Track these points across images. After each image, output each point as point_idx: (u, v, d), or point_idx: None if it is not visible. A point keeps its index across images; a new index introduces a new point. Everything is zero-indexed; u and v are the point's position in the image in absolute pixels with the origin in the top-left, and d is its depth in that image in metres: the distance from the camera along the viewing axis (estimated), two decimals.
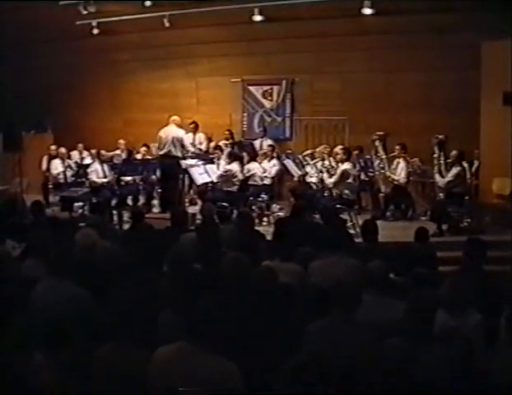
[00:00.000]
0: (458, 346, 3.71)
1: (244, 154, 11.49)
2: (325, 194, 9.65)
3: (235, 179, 10.34)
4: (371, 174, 11.09)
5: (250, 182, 10.77)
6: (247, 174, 10.61)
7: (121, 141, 12.94)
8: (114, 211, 10.58)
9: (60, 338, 3.32)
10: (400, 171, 10.62)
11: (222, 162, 10.86)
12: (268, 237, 7.25)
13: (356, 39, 12.17)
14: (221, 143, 11.96)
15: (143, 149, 12.61)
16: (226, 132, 12.65)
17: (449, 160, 9.74)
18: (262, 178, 10.83)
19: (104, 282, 4.74)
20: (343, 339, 3.70)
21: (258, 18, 12.19)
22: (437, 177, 9.86)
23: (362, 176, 11.04)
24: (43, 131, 14.25)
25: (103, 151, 11.34)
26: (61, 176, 11.69)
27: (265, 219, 10.41)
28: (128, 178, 11.31)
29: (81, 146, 13.20)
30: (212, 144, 12.41)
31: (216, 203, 9.19)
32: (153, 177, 11.73)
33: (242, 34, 12.93)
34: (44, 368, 3.13)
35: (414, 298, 3.78)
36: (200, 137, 12.65)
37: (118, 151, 12.74)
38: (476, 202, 10.17)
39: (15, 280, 4.85)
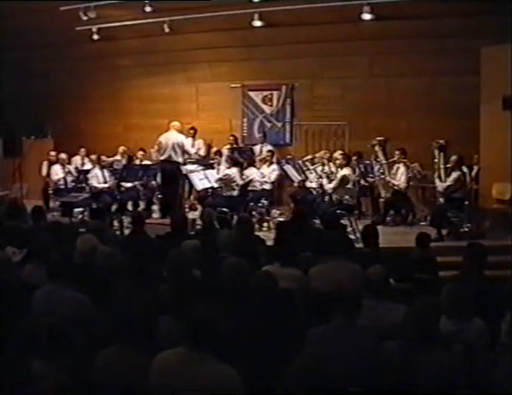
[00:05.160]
0: (459, 351, 3.71)
1: (242, 160, 11.46)
2: (325, 199, 9.64)
3: (233, 184, 10.35)
4: (371, 180, 11.11)
5: (250, 187, 10.79)
6: (245, 180, 10.62)
7: (121, 148, 13.00)
8: (115, 217, 10.58)
9: (60, 343, 3.32)
10: (400, 176, 10.63)
11: (222, 167, 10.88)
12: (268, 242, 7.27)
13: (355, 45, 12.19)
14: (225, 148, 11.97)
15: (140, 153, 12.66)
16: (231, 138, 12.67)
17: (449, 165, 9.74)
18: (262, 184, 10.85)
19: (105, 287, 4.75)
20: (344, 344, 3.70)
21: (257, 23, 12.21)
22: (437, 182, 9.86)
23: (362, 181, 11.06)
24: (43, 136, 14.27)
25: (103, 157, 11.36)
26: (61, 182, 11.69)
27: (265, 224, 10.41)
28: (129, 184, 11.32)
29: (83, 150, 13.22)
30: (214, 150, 12.44)
31: (216, 209, 9.20)
32: (153, 182, 11.75)
33: (242, 39, 12.96)
34: (44, 373, 3.13)
35: (417, 305, 3.78)
36: (199, 142, 12.70)
37: (118, 157, 12.76)
38: (476, 206, 10.17)
39: (15, 285, 4.86)
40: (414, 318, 3.73)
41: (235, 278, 4.55)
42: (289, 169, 10.76)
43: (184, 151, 11.23)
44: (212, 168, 11.02)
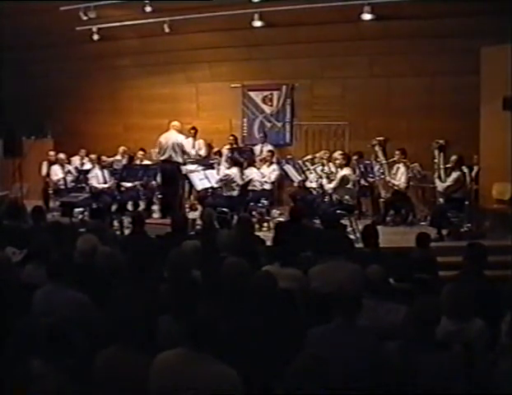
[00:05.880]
0: (458, 351, 3.71)
1: (242, 160, 11.45)
2: (325, 199, 9.64)
3: (234, 184, 10.35)
4: (371, 180, 11.11)
5: (250, 187, 10.79)
6: (245, 180, 10.61)
7: (121, 148, 13.02)
8: (115, 217, 10.58)
9: (60, 343, 3.32)
10: (400, 176, 10.63)
11: (222, 167, 10.88)
12: (268, 242, 7.28)
13: (356, 45, 12.19)
14: (225, 148, 11.97)
15: (140, 153, 12.66)
16: (231, 138, 12.67)
17: (449, 165, 9.74)
18: (262, 184, 10.85)
19: (105, 287, 4.75)
20: (344, 344, 3.70)
21: (258, 23, 12.22)
22: (437, 182, 9.86)
23: (362, 181, 11.06)
24: (43, 136, 14.28)
25: (103, 157, 11.36)
26: (61, 182, 11.69)
27: (265, 224, 10.40)
28: (129, 184, 11.32)
29: (83, 151, 13.23)
30: (215, 150, 12.44)
31: (216, 209, 9.20)
32: (153, 182, 11.75)
33: (242, 39, 12.96)
34: (44, 373, 3.13)
35: (417, 305, 3.78)
36: (199, 143, 12.69)
37: (118, 157, 12.76)
38: (476, 206, 10.17)
39: (15, 285, 4.86)
40: (414, 318, 3.73)
41: (235, 278, 4.55)
42: (289, 169, 10.76)
43: (184, 152, 11.22)
44: (212, 168, 11.01)
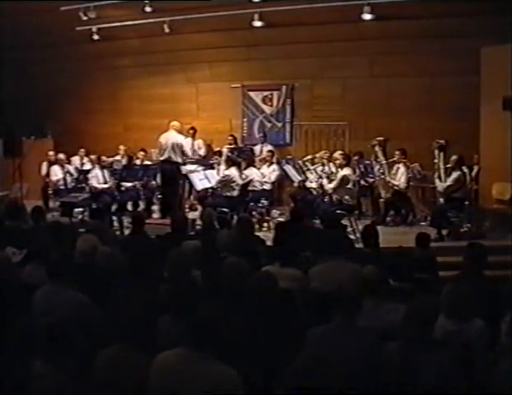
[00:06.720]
0: (457, 351, 3.71)
1: (241, 160, 11.43)
2: (325, 200, 9.64)
3: (233, 184, 10.34)
4: (371, 180, 11.11)
5: (250, 187, 10.78)
6: (245, 180, 10.61)
7: (121, 147, 13.03)
8: (114, 217, 10.58)
9: (60, 343, 3.32)
10: (400, 176, 10.63)
11: (222, 167, 10.88)
12: (268, 242, 7.28)
13: (356, 45, 12.18)
14: (224, 148, 11.96)
15: (141, 153, 12.67)
16: (230, 138, 12.66)
17: (449, 165, 9.74)
18: (262, 184, 10.85)
19: (105, 288, 4.75)
20: (344, 344, 3.70)
21: (258, 24, 12.21)
22: (437, 182, 9.86)
23: (362, 181, 11.05)
24: (43, 136, 14.28)
25: (103, 157, 11.36)
26: (61, 182, 11.68)
27: (265, 224, 10.41)
28: (128, 184, 11.32)
29: (82, 151, 13.23)
30: (215, 150, 12.44)
31: (216, 209, 9.20)
32: (153, 182, 11.75)
33: (242, 39, 12.96)
34: (44, 373, 3.13)
35: (416, 304, 3.78)
36: (199, 143, 12.70)
37: (118, 157, 12.76)
38: (476, 206, 10.17)
39: (15, 285, 4.86)
40: (412, 317, 3.73)
41: (235, 278, 4.56)
42: (289, 169, 10.76)
43: (183, 152, 11.22)
44: (212, 168, 11.02)
